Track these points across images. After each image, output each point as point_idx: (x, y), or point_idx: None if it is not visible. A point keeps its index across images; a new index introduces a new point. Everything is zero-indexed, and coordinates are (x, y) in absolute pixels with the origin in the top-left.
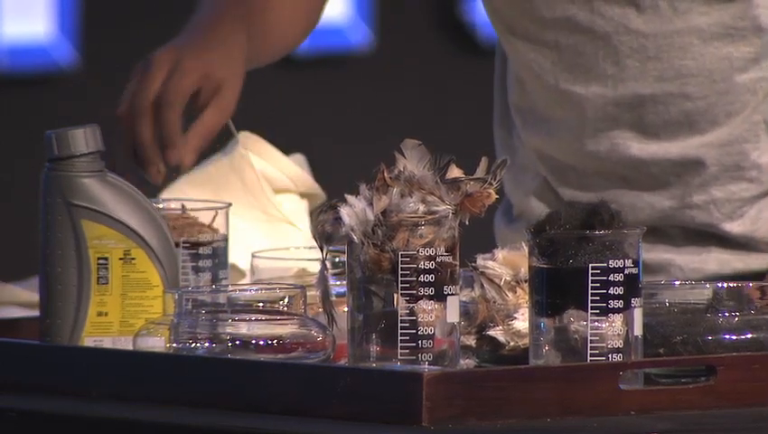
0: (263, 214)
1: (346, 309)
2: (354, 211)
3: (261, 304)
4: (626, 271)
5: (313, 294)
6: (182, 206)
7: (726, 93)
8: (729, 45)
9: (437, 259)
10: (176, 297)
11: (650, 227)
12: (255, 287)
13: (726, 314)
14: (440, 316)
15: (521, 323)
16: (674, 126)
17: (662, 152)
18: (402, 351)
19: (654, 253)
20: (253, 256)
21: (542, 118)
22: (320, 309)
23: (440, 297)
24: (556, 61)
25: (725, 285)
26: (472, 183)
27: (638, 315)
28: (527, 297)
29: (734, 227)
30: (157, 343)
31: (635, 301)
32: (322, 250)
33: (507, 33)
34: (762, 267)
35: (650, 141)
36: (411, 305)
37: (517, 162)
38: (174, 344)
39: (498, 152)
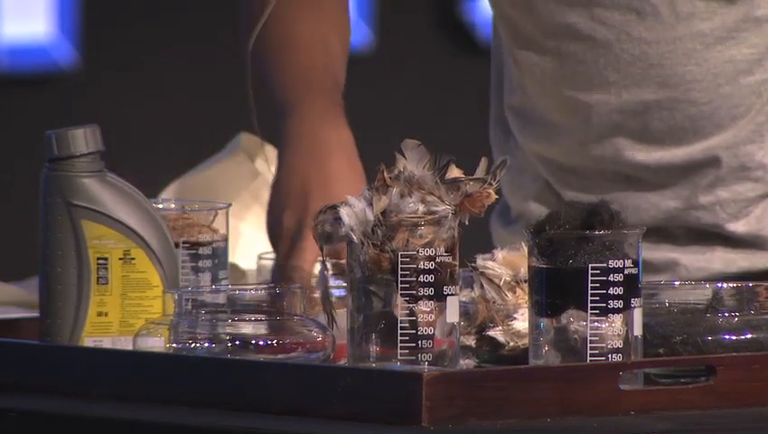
0: (263, 215)
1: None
2: (354, 211)
3: (265, 304)
4: (626, 271)
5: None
6: (182, 207)
7: (731, 96)
8: (732, 48)
9: (437, 260)
10: (176, 297)
11: (655, 227)
12: (255, 287)
13: (726, 314)
14: (440, 316)
15: (521, 323)
16: (679, 131)
17: (668, 157)
18: (402, 351)
19: (659, 253)
20: (259, 257)
21: (543, 122)
22: (320, 309)
23: (440, 298)
24: (557, 68)
25: (725, 285)
26: (471, 183)
27: (638, 315)
28: (526, 298)
29: (739, 226)
30: (157, 343)
31: (635, 301)
32: (322, 251)
33: (512, 37)
34: (767, 265)
35: (655, 147)
36: (411, 305)
37: (515, 165)
38: (174, 344)
39: (495, 156)
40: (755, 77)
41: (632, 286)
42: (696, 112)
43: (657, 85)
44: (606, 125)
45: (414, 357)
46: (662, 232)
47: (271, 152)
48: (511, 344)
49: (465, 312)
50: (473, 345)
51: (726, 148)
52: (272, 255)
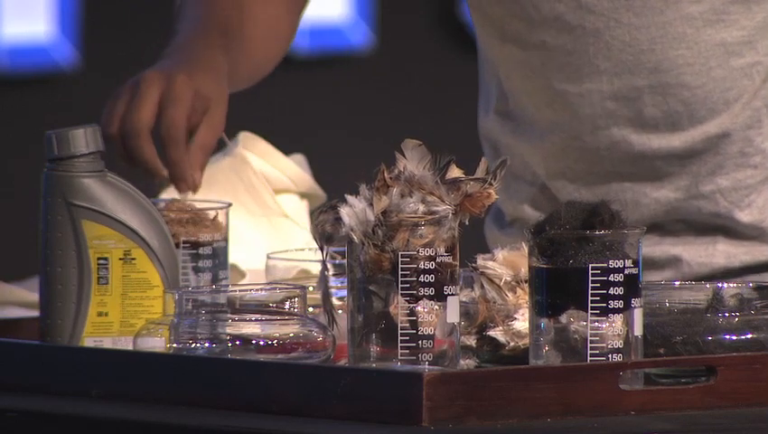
0: (263, 215)
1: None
2: (354, 211)
3: (273, 304)
4: (626, 271)
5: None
6: (190, 205)
7: (723, 79)
8: (722, 31)
9: (437, 260)
10: (176, 297)
11: (656, 222)
12: (255, 288)
13: (726, 314)
14: (440, 316)
15: (521, 323)
16: (673, 115)
17: (665, 144)
18: (402, 351)
19: (660, 249)
20: (268, 257)
21: (534, 121)
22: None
23: (440, 298)
24: (546, 60)
25: (726, 285)
26: (472, 183)
27: (638, 315)
28: (527, 298)
29: (742, 216)
30: (157, 343)
31: (635, 301)
32: (322, 251)
33: (497, 36)
34: None
35: (650, 134)
36: (411, 305)
37: (508, 170)
38: (174, 344)
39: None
40: (746, 59)
41: (632, 286)
42: (689, 96)
43: (649, 70)
44: (600, 114)
45: (414, 357)
46: (664, 228)
47: (270, 152)
48: (512, 344)
49: (466, 312)
50: (474, 345)
51: (724, 135)
52: (282, 254)
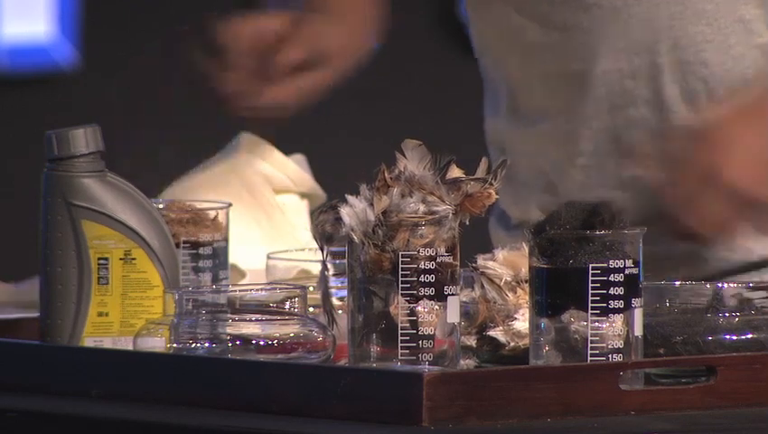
0: (263, 215)
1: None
2: (354, 211)
3: (273, 304)
4: (626, 271)
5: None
6: (190, 205)
7: (742, 57)
8: (741, 8)
9: (438, 260)
10: (176, 297)
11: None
12: (255, 288)
13: (727, 314)
14: (440, 316)
15: (521, 323)
16: (692, 94)
17: (683, 125)
18: (402, 351)
19: (679, 244)
20: (268, 257)
21: (545, 111)
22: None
23: (440, 298)
24: (564, 41)
25: (726, 285)
26: (472, 183)
27: (638, 315)
28: (527, 298)
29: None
30: (157, 343)
31: (635, 301)
32: (322, 251)
33: (514, 14)
34: None
35: (668, 113)
36: (412, 305)
37: (515, 178)
38: (174, 344)
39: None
40: (764, 38)
41: (632, 286)
42: (708, 74)
43: (668, 48)
44: (618, 94)
45: (414, 357)
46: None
47: (271, 152)
48: (512, 344)
49: (466, 312)
50: (474, 345)
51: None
52: (282, 254)
